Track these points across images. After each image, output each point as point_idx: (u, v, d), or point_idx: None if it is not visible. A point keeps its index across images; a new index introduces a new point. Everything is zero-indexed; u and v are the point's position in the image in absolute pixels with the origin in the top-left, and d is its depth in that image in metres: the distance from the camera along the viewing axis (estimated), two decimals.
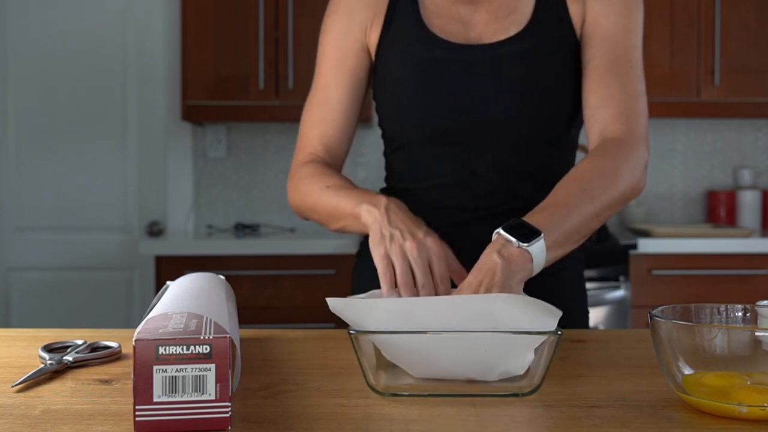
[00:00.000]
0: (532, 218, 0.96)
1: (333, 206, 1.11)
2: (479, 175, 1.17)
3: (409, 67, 1.17)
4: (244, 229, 3.19)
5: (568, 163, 1.22)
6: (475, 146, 1.16)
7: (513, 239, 0.92)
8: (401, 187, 1.24)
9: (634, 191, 1.08)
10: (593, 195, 1.01)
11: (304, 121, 1.24)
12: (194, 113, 2.98)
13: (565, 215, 0.98)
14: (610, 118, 1.10)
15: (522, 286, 0.92)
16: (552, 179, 1.17)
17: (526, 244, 0.91)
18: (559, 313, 0.75)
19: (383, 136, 1.26)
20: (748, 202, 3.20)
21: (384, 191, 1.27)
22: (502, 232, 0.93)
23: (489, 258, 0.90)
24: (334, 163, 1.23)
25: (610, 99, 1.11)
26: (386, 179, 1.29)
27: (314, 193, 1.15)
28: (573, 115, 1.18)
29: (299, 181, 1.19)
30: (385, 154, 1.28)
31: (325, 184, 1.13)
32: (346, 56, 1.21)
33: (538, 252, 0.92)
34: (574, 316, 1.23)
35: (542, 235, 0.93)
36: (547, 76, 1.14)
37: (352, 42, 1.21)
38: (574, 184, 1.03)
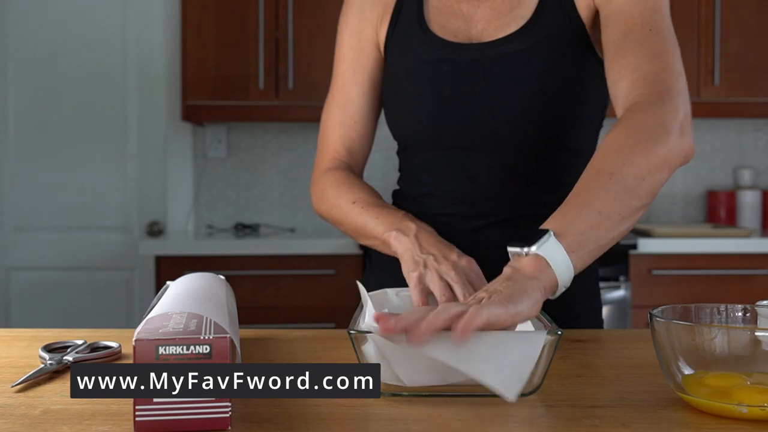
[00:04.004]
0: (545, 222, 0.86)
1: (361, 225, 1.09)
2: (477, 181, 1.13)
3: (406, 68, 1.15)
4: (244, 229, 3.19)
5: (582, 165, 1.17)
6: (471, 150, 1.12)
7: (518, 249, 0.82)
8: (406, 191, 1.22)
9: (673, 152, 0.92)
10: (610, 171, 0.88)
11: (325, 124, 1.23)
12: (194, 113, 2.98)
13: (579, 204, 0.86)
14: (627, 88, 0.98)
15: (540, 294, 0.78)
16: (563, 182, 1.13)
17: (533, 248, 0.81)
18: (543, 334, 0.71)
19: (392, 136, 1.24)
20: (748, 202, 3.20)
21: (395, 195, 1.27)
22: (509, 248, 0.83)
23: (500, 276, 0.81)
24: (356, 166, 1.22)
25: (626, 69, 0.99)
26: (398, 181, 1.27)
27: (341, 207, 1.13)
28: (582, 115, 1.13)
29: (324, 191, 1.17)
30: (396, 153, 1.26)
31: (351, 198, 1.12)
32: (361, 56, 1.21)
33: (554, 253, 0.81)
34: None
35: (549, 233, 0.82)
36: (550, 74, 1.08)
37: (366, 42, 1.20)
38: (590, 166, 0.91)
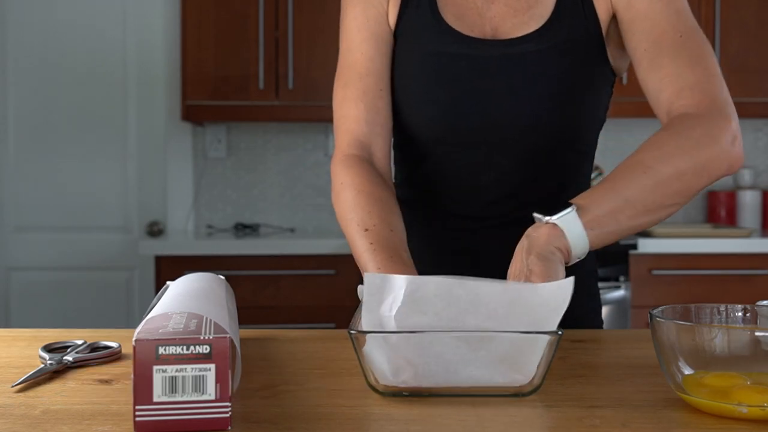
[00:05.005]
0: (574, 198, 0.92)
1: (363, 262, 0.99)
2: (488, 182, 1.12)
3: (419, 59, 1.11)
4: (244, 229, 3.19)
5: (586, 168, 1.17)
6: (484, 150, 1.10)
7: (541, 216, 0.89)
8: (408, 187, 1.20)
9: (716, 161, 0.94)
10: (647, 165, 0.92)
11: (343, 101, 1.13)
12: (194, 113, 2.98)
13: (608, 188, 0.92)
14: (671, 97, 1.00)
15: (555, 258, 0.86)
16: (568, 184, 1.13)
17: (553, 218, 0.88)
18: (570, 287, 0.75)
19: (393, 127, 1.17)
20: (748, 202, 3.20)
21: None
22: (534, 214, 0.91)
23: (518, 246, 0.89)
24: (381, 143, 1.12)
25: (666, 78, 1.00)
26: (396, 175, 1.24)
27: (350, 227, 1.02)
28: (594, 117, 1.13)
29: (340, 192, 1.06)
30: (394, 147, 1.22)
31: (363, 224, 1.00)
32: (377, 28, 1.13)
33: (572, 226, 0.88)
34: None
35: (572, 207, 0.89)
36: (566, 76, 1.07)
37: (381, 16, 1.14)
38: (629, 158, 0.95)
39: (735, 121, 0.97)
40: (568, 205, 0.90)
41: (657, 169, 0.92)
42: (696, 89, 0.98)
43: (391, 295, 0.77)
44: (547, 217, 0.88)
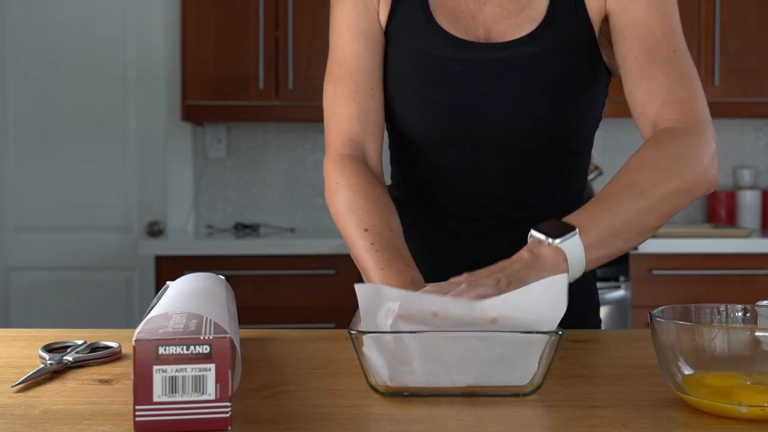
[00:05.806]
0: (570, 217, 0.90)
1: (362, 261, 0.98)
2: (484, 182, 1.12)
3: (413, 61, 1.10)
4: (244, 229, 3.19)
5: (581, 167, 1.16)
6: (480, 151, 1.10)
7: (543, 237, 0.86)
8: (404, 189, 1.20)
9: (700, 182, 0.96)
10: (642, 187, 0.92)
11: (335, 99, 1.12)
12: (194, 113, 2.98)
13: (607, 210, 0.90)
14: (660, 109, 1.00)
15: None
16: (564, 185, 1.13)
17: (557, 241, 0.85)
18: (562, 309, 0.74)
19: (386, 129, 1.17)
20: (748, 202, 3.20)
21: (390, 190, 1.23)
22: (533, 231, 0.88)
23: (517, 255, 0.86)
24: (376, 143, 1.11)
25: (657, 90, 1.01)
26: (392, 176, 1.24)
27: (349, 228, 1.01)
28: (590, 117, 1.13)
29: (336, 193, 1.05)
30: (389, 147, 1.21)
31: (363, 224, 1.00)
32: (367, 24, 1.12)
33: (574, 250, 0.86)
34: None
35: (576, 231, 0.86)
36: (561, 78, 1.07)
37: (371, 12, 1.13)
38: (622, 177, 0.94)
39: (714, 143, 0.99)
40: (567, 226, 0.87)
41: (651, 191, 0.92)
42: (685, 106, 0.99)
43: (386, 305, 0.76)
44: (550, 240, 0.86)
